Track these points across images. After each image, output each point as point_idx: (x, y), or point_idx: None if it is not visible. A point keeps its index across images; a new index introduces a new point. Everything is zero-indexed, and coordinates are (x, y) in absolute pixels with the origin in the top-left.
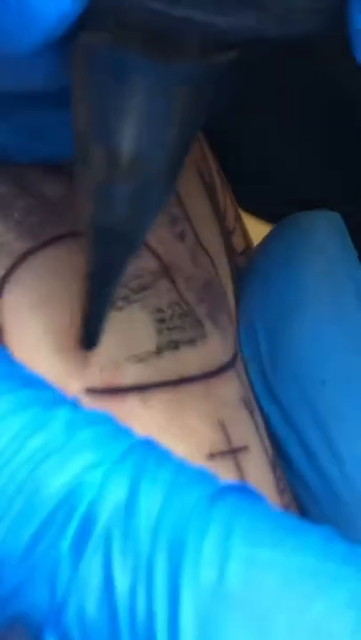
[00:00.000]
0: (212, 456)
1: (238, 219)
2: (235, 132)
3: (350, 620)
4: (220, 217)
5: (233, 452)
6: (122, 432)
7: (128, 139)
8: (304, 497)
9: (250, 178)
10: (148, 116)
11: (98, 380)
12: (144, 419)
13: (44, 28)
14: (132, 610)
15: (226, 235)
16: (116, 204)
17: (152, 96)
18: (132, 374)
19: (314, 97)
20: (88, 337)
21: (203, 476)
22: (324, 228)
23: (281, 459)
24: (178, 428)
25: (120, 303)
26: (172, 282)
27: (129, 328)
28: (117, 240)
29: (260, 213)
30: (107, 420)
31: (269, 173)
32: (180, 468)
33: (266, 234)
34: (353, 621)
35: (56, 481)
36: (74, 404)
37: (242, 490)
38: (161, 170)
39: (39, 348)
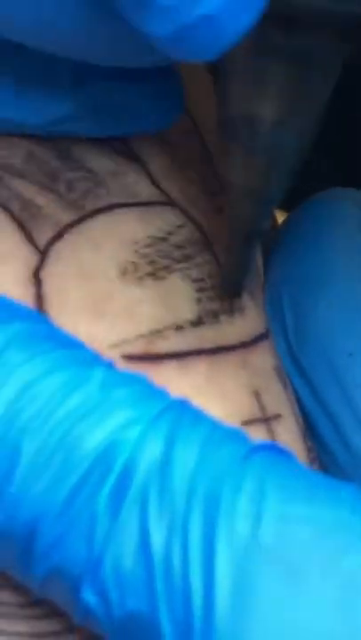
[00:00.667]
0: (246, 423)
1: None
2: None
3: None
4: None
5: (267, 420)
6: (157, 392)
7: (269, 113)
8: (331, 468)
9: None
10: (287, 94)
11: (136, 347)
12: (181, 385)
13: (232, 42)
14: (167, 564)
15: None
16: (257, 169)
17: (291, 75)
18: (170, 342)
19: None
20: (232, 287)
21: (236, 435)
22: (351, 204)
23: (308, 428)
24: (214, 395)
25: (162, 273)
26: (213, 254)
27: (170, 297)
28: (258, 198)
29: None
30: (141, 381)
31: None
32: (215, 427)
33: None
34: None
35: (93, 438)
36: (109, 365)
37: (274, 448)
38: (294, 141)
39: (79, 316)
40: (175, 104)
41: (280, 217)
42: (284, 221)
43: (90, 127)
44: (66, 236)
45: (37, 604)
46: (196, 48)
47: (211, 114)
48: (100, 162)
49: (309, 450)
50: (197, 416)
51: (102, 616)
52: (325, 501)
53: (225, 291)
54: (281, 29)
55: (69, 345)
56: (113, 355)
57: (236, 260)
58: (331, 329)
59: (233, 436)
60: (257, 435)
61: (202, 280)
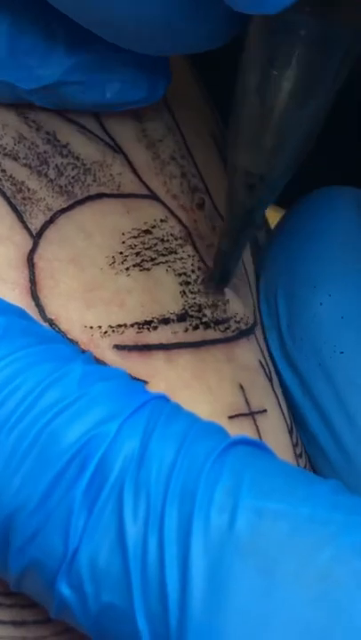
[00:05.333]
0: (232, 417)
1: None
2: None
3: (357, 567)
4: None
5: (252, 415)
6: (134, 387)
7: (286, 90)
8: (318, 460)
9: None
10: (305, 75)
11: (126, 337)
12: (169, 376)
13: None
14: (143, 557)
15: None
16: (265, 152)
17: (310, 54)
18: (159, 333)
19: None
20: (222, 274)
21: (214, 430)
22: (345, 202)
23: (297, 423)
24: (200, 389)
25: (147, 264)
26: (195, 248)
27: (156, 289)
28: (262, 184)
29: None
30: (119, 375)
31: None
32: (193, 422)
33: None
34: (360, 569)
35: (71, 433)
36: (88, 359)
37: (251, 443)
38: (304, 126)
39: (71, 303)
40: (163, 74)
41: (275, 216)
42: (280, 220)
43: (79, 93)
44: (57, 221)
45: (21, 593)
46: None
47: (192, 111)
48: (87, 150)
49: (295, 445)
50: (175, 411)
51: (78, 610)
52: (303, 497)
53: (216, 277)
54: (305, 13)
55: (48, 339)
56: (104, 344)
57: (231, 247)
58: (323, 326)
59: (211, 430)
60: (242, 429)
61: (185, 274)
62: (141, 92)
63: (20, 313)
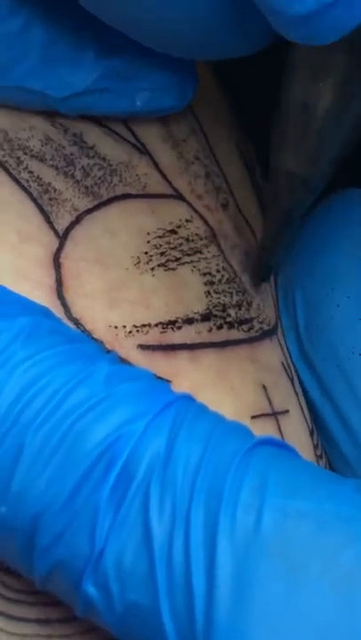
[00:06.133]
0: (255, 418)
1: None
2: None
3: None
4: (257, 189)
5: (275, 415)
6: (160, 387)
7: (326, 101)
8: (338, 464)
9: None
10: (344, 84)
11: (150, 337)
12: (193, 376)
13: (354, 26)
14: (169, 557)
15: (263, 206)
16: (307, 157)
17: (349, 66)
18: (183, 333)
19: None
20: (264, 271)
21: (240, 430)
22: None
23: (316, 425)
24: (224, 389)
25: (172, 264)
26: (220, 248)
27: (181, 289)
28: (303, 186)
29: None
30: (144, 376)
31: None
32: (218, 421)
33: None
34: None
35: (97, 433)
36: (113, 359)
37: (277, 443)
38: (343, 133)
39: (96, 303)
40: (191, 78)
41: None
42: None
43: (110, 102)
44: (83, 221)
45: (46, 592)
46: (326, 29)
47: (214, 114)
48: (113, 151)
49: (316, 446)
50: (201, 411)
51: (103, 609)
52: (327, 496)
53: (262, 274)
54: None
55: (73, 339)
56: (129, 344)
57: (273, 245)
58: (341, 328)
59: (236, 430)
60: (265, 430)
61: (209, 274)
62: (171, 100)
63: (46, 313)
